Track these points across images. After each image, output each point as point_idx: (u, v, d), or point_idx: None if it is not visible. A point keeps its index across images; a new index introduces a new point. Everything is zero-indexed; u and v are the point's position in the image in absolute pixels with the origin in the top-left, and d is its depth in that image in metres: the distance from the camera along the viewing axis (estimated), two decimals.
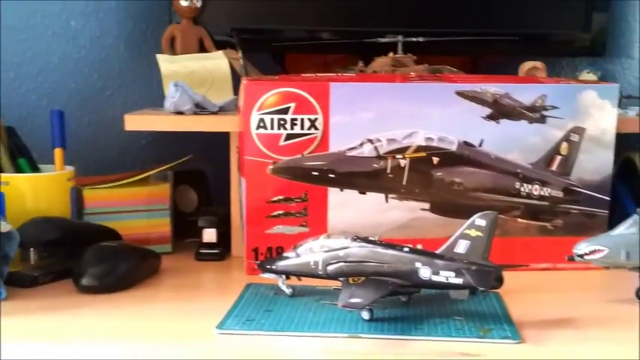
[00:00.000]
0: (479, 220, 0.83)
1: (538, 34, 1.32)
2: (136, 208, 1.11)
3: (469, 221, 0.84)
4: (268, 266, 0.92)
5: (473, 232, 0.83)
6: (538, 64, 1.25)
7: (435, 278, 0.83)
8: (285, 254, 0.91)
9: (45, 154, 1.10)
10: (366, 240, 0.87)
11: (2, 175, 1.03)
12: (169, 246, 1.13)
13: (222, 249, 1.11)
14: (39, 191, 1.04)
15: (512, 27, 1.30)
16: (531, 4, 1.30)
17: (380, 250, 0.86)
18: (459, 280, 0.82)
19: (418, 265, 0.83)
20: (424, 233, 1.03)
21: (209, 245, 1.11)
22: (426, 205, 1.03)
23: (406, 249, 0.85)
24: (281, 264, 0.91)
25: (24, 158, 1.09)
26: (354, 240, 0.87)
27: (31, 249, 0.98)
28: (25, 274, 0.96)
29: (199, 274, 1.06)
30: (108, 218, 1.08)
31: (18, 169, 1.08)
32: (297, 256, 0.90)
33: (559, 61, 1.40)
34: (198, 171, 1.27)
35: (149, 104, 1.23)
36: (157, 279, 1.01)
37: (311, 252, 0.89)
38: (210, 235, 1.11)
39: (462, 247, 0.83)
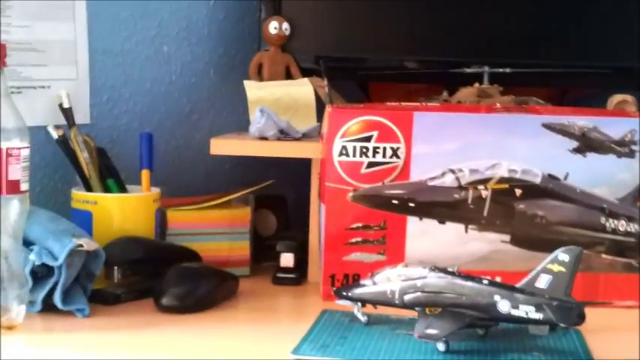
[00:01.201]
0: (562, 254, 0.81)
1: (630, 67, 1.28)
2: (217, 231, 1.12)
3: (552, 256, 0.82)
4: (345, 293, 0.92)
5: (555, 267, 0.81)
6: (628, 97, 1.22)
7: (514, 312, 0.81)
8: (361, 282, 0.91)
9: (133, 175, 1.12)
10: (444, 271, 0.86)
11: (91, 194, 1.06)
12: (248, 269, 1.14)
13: (299, 274, 1.11)
14: (125, 211, 1.06)
15: (602, 59, 1.27)
16: (622, 35, 1.27)
17: (458, 281, 0.84)
18: (539, 316, 0.80)
19: (497, 298, 0.82)
20: (504, 266, 1.01)
21: (286, 270, 1.11)
22: (507, 238, 1.01)
23: (485, 281, 0.84)
24: (357, 291, 0.91)
25: (113, 179, 1.12)
26: (432, 270, 0.86)
27: (115, 267, 1.00)
28: (108, 292, 0.98)
29: (276, 297, 1.06)
30: (189, 240, 1.10)
31: (106, 190, 1.10)
32: (374, 284, 0.89)
33: None
34: (279, 196, 1.27)
35: (235, 129, 1.24)
36: (235, 301, 1.02)
37: (388, 280, 0.88)
38: (287, 259, 1.11)
39: (543, 281, 0.81)
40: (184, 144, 1.29)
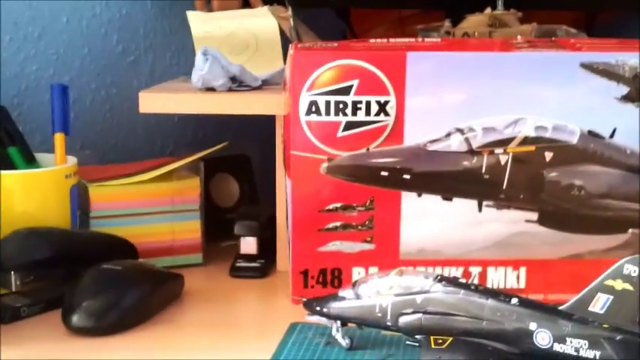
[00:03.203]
0: (629, 266, 0.58)
1: None
2: (157, 210, 0.92)
3: (613, 267, 0.59)
4: (318, 308, 0.70)
5: (619, 285, 0.58)
6: None
7: (559, 347, 0.59)
8: (340, 293, 0.70)
9: (48, 139, 0.92)
10: (455, 282, 0.64)
11: None
12: (200, 256, 0.94)
13: (265, 261, 0.92)
14: (30, 191, 0.85)
15: None
16: None
17: (476, 298, 0.63)
18: (595, 354, 0.58)
19: (533, 326, 0.60)
20: (530, 253, 0.82)
21: (248, 257, 0.92)
22: (534, 216, 0.82)
23: (514, 300, 0.62)
24: (335, 306, 0.69)
25: (15, 147, 0.90)
26: (439, 281, 0.64)
27: (12, 272, 0.80)
28: (2, 305, 0.77)
29: (233, 300, 0.85)
30: (120, 223, 0.90)
31: (7, 162, 0.89)
32: (358, 297, 0.68)
33: None
34: (241, 155, 1.10)
35: (183, 73, 1.06)
36: (177, 309, 0.81)
37: (377, 293, 0.67)
38: (249, 245, 0.93)
39: (601, 304, 0.59)
40: (116, 94, 1.11)
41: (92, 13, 1.07)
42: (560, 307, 0.61)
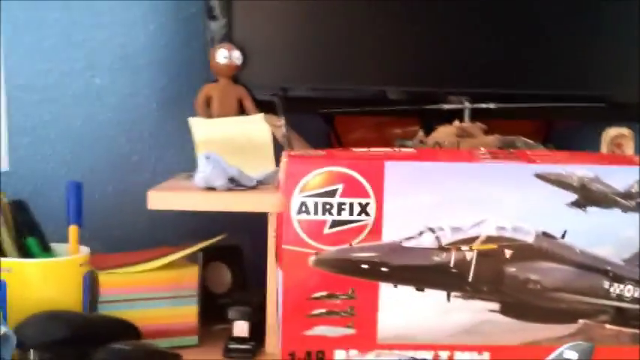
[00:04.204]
0: (568, 351, 0.67)
1: (626, 97, 1.17)
2: (158, 295, 0.99)
3: (556, 353, 0.68)
4: None
5: None
6: (625, 130, 1.12)
7: None
8: None
9: (61, 230, 0.99)
10: None
11: (4, 260, 0.91)
12: (195, 338, 1.01)
13: (255, 343, 0.99)
14: (47, 278, 0.92)
15: (596, 89, 1.16)
16: (618, 63, 1.16)
17: None
18: None
19: None
20: (492, 339, 0.88)
21: (240, 340, 0.99)
22: (496, 306, 0.89)
23: None
24: None
25: (34, 237, 0.97)
26: None
27: (32, 350, 0.86)
28: None
29: None
30: (126, 307, 0.97)
31: (26, 251, 0.96)
32: None
33: None
34: (233, 246, 1.16)
35: (183, 170, 1.12)
36: None
37: None
38: (241, 328, 0.99)
39: None
40: (123, 190, 1.18)
41: (103, 117, 1.14)
42: None
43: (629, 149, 1.12)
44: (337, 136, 1.22)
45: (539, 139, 1.15)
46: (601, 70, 1.16)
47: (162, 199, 0.97)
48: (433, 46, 1.14)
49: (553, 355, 0.68)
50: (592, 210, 0.87)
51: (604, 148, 1.12)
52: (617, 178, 0.87)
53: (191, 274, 1.01)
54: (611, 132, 1.12)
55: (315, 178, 0.85)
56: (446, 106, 1.07)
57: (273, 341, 0.96)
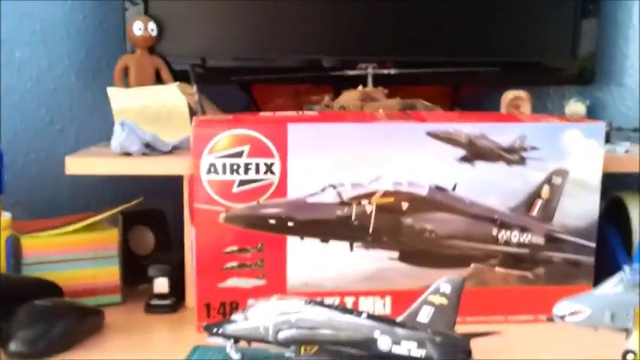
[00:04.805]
0: (444, 285, 0.75)
1: (522, 62, 1.24)
2: (80, 257, 1.02)
3: (433, 287, 0.75)
4: (215, 330, 0.83)
5: (437, 299, 0.74)
6: (521, 93, 1.18)
7: (396, 349, 0.74)
8: (233, 317, 0.83)
9: None
10: (321, 304, 0.78)
11: None
12: (118, 296, 1.05)
13: (176, 299, 1.03)
14: None
15: (494, 55, 1.22)
16: (514, 29, 1.22)
17: (336, 315, 0.77)
18: (421, 353, 0.73)
19: (377, 334, 0.75)
20: (393, 285, 0.95)
21: (160, 296, 1.03)
22: (395, 254, 0.95)
23: (364, 315, 0.76)
24: (229, 328, 0.82)
25: None
26: (309, 303, 0.79)
27: None
28: None
29: (146, 331, 0.97)
30: (49, 269, 1.00)
31: None
32: (246, 319, 0.81)
33: (546, 89, 1.32)
34: (156, 210, 1.19)
35: (105, 138, 1.12)
36: (99, 338, 0.93)
37: (261, 315, 0.80)
38: (161, 285, 1.03)
39: (425, 314, 0.74)
40: (45, 158, 1.19)
41: (24, 88, 1.15)
42: (397, 319, 0.76)
43: (526, 110, 1.18)
44: (256, 106, 1.25)
45: (445, 104, 1.21)
46: (498, 36, 1.22)
47: (80, 164, 1.00)
48: (343, 16, 1.18)
49: (431, 288, 0.75)
50: (479, 164, 0.94)
51: (503, 110, 1.18)
52: (502, 134, 0.94)
53: (111, 236, 1.04)
54: (509, 95, 1.18)
55: (223, 140, 0.90)
56: (350, 72, 1.13)
57: (193, 296, 0.99)
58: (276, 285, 0.93)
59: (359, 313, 0.77)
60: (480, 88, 1.28)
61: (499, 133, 0.94)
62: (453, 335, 0.74)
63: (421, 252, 0.95)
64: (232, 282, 0.93)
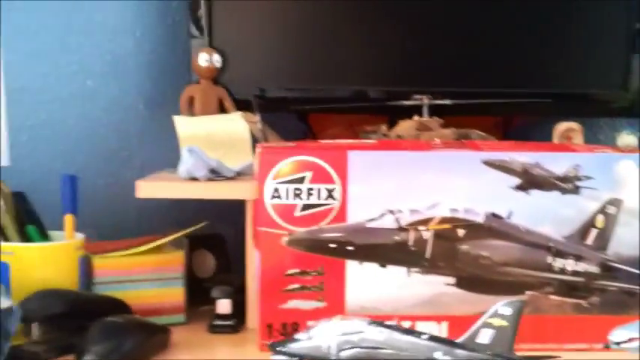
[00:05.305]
0: (503, 308, 0.77)
1: (574, 93, 1.26)
2: (147, 277, 1.06)
3: (492, 310, 0.78)
4: (279, 348, 0.86)
5: (496, 322, 0.76)
6: (574, 125, 1.20)
7: None
8: (297, 336, 0.86)
9: (57, 220, 1.06)
10: (382, 324, 0.81)
11: (7, 244, 0.99)
12: (182, 316, 1.08)
13: (238, 320, 1.06)
14: (46, 261, 1.00)
15: (546, 86, 1.25)
16: (567, 62, 1.25)
17: (397, 336, 0.80)
18: None
19: (437, 355, 0.77)
20: (450, 310, 0.97)
21: (223, 317, 1.06)
22: (452, 280, 0.97)
23: (425, 336, 0.79)
24: (292, 346, 0.85)
25: (33, 225, 1.05)
26: (371, 324, 0.81)
27: (34, 323, 0.94)
28: (26, 350, 0.91)
29: (211, 349, 1.00)
30: (118, 288, 1.04)
31: (26, 237, 1.04)
32: (310, 338, 0.84)
33: (597, 121, 1.33)
34: (217, 234, 1.22)
35: (169, 165, 1.18)
36: (166, 355, 0.96)
37: (324, 335, 0.83)
38: (224, 306, 1.06)
39: (485, 337, 0.76)
40: (114, 183, 1.24)
41: (95, 116, 1.21)
42: (457, 341, 0.79)
43: (578, 141, 1.19)
44: (313, 135, 1.29)
45: (497, 135, 1.23)
46: (551, 67, 1.25)
47: (149, 188, 1.04)
48: (398, 48, 1.22)
49: (490, 311, 0.77)
50: (534, 192, 0.96)
51: (555, 141, 1.20)
52: (556, 163, 0.96)
53: (177, 258, 1.08)
54: (562, 126, 1.20)
55: (286, 166, 0.94)
56: (406, 103, 1.16)
57: (254, 317, 1.03)
58: (335, 307, 0.96)
59: (420, 334, 0.79)
60: (531, 119, 1.31)
61: (553, 162, 0.97)
62: (513, 357, 0.76)
63: (477, 278, 0.97)
64: (293, 303, 0.96)
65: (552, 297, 0.98)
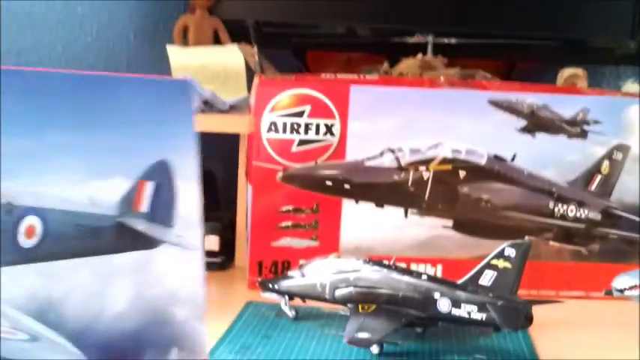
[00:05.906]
0: (508, 249, 0.74)
1: (580, 39, 1.22)
2: None
3: (497, 250, 0.75)
4: (270, 285, 0.84)
5: (501, 263, 0.74)
6: (579, 71, 1.17)
7: (455, 312, 0.74)
8: (289, 273, 0.83)
9: None
10: (379, 264, 0.79)
11: None
12: None
13: (225, 258, 1.04)
14: None
15: (552, 31, 1.21)
16: (574, 8, 1.21)
17: (395, 275, 0.77)
18: (482, 316, 0.73)
19: (437, 295, 0.75)
20: (445, 253, 0.95)
21: (210, 253, 1.03)
22: (449, 223, 0.95)
23: (424, 276, 0.77)
24: (284, 284, 0.83)
25: None
26: (367, 263, 0.79)
27: None
28: None
29: None
30: None
31: None
32: (303, 276, 0.82)
33: (601, 69, 1.30)
34: (206, 171, 1.14)
35: None
36: None
37: (318, 273, 0.81)
38: (211, 242, 1.03)
39: (487, 278, 0.74)
40: None
41: (84, 43, 1.16)
42: (458, 282, 0.76)
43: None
44: (309, 72, 1.24)
45: (495, 77, 1.20)
46: (558, 12, 1.21)
47: None
48: None
49: (494, 252, 0.75)
50: (540, 136, 0.93)
51: None
52: (564, 106, 0.93)
53: None
54: (566, 72, 1.17)
55: (285, 99, 0.91)
56: (410, 40, 1.12)
57: (242, 256, 1.00)
58: (329, 246, 0.93)
59: (418, 274, 0.77)
60: (535, 64, 1.27)
61: (562, 104, 0.94)
62: (515, 300, 0.73)
63: (475, 222, 0.95)
64: (286, 241, 0.94)
65: (551, 243, 0.97)
